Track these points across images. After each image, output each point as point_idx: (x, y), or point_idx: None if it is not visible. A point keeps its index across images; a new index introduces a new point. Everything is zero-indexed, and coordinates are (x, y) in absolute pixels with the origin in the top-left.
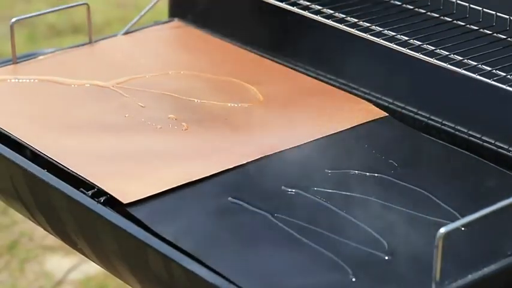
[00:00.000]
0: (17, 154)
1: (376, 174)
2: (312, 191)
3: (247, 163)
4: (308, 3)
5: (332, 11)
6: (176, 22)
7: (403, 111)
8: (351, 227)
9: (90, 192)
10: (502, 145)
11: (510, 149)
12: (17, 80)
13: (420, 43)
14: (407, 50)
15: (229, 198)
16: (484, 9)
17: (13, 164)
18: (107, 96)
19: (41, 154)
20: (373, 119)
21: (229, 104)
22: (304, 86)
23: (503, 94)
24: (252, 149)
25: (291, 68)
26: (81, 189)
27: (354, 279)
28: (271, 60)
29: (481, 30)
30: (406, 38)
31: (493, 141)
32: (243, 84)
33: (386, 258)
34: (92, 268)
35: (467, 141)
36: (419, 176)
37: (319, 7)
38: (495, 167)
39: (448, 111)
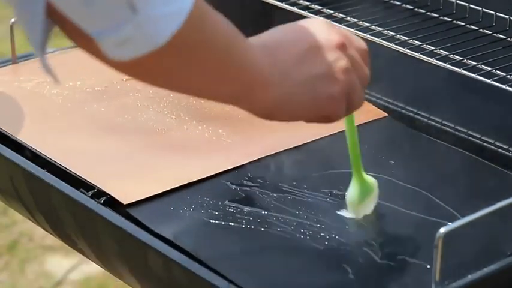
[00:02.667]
0: (17, 154)
1: (375, 174)
2: (312, 191)
3: (248, 163)
4: (308, 3)
5: (332, 11)
6: None
7: (403, 111)
8: (351, 226)
9: (90, 193)
10: (501, 145)
11: (510, 149)
12: (16, 80)
13: (420, 43)
14: (407, 50)
15: (229, 199)
16: (484, 9)
17: (13, 164)
18: (107, 96)
19: (41, 154)
20: (373, 119)
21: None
22: None
23: (503, 94)
24: (252, 149)
25: None
26: (81, 189)
27: (353, 279)
28: None
29: (481, 30)
30: (406, 38)
31: (492, 141)
32: None
33: (387, 258)
34: (91, 268)
35: (467, 141)
36: (419, 176)
37: (319, 7)
38: (495, 167)
39: (448, 111)
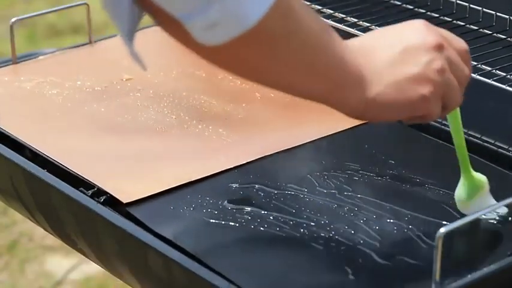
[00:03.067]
0: (16, 154)
1: (376, 174)
2: (312, 191)
3: (247, 163)
4: (308, 3)
5: (332, 11)
6: None
7: None
8: (350, 226)
9: (90, 192)
10: (501, 145)
11: (510, 149)
12: (16, 80)
13: None
14: None
15: (229, 198)
16: (484, 9)
17: (13, 163)
18: (107, 96)
19: (41, 154)
20: None
21: (229, 104)
22: None
23: (503, 94)
24: (252, 149)
25: None
26: (81, 188)
27: (353, 279)
28: None
29: (481, 30)
30: None
31: (492, 141)
32: (243, 83)
33: (387, 258)
34: (91, 268)
35: (467, 141)
36: (419, 176)
37: (319, 7)
38: (495, 167)
39: None
